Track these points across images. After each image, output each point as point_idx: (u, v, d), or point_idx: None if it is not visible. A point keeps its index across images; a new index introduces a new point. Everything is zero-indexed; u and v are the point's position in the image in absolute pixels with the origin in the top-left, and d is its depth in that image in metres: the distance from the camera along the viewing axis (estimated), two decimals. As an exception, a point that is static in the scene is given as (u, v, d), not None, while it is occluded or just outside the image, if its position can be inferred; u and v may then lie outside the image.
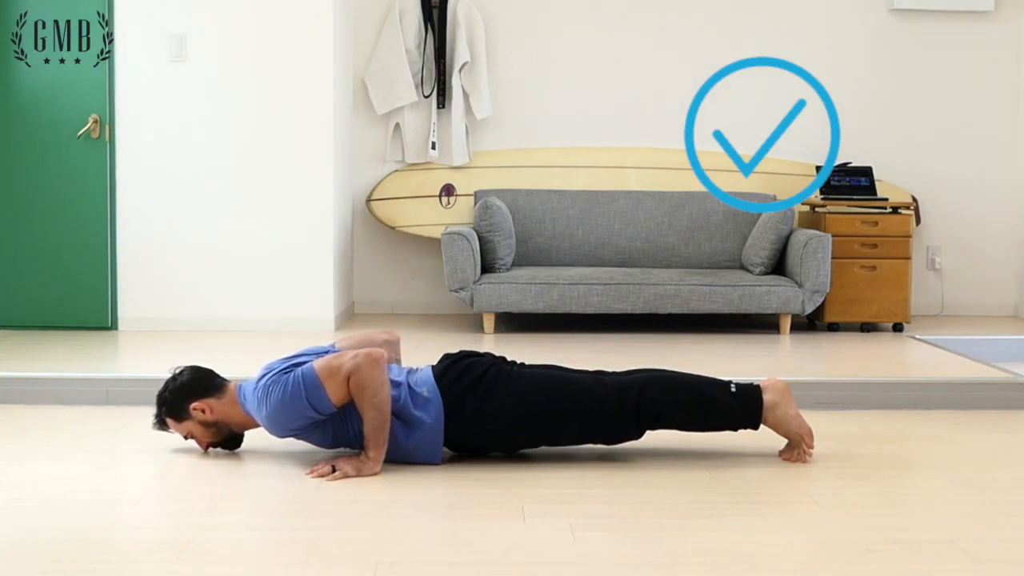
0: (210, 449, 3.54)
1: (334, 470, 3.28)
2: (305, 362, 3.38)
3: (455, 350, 3.58)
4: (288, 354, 3.52)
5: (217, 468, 3.42)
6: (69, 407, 4.30)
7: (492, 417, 3.40)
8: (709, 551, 2.68)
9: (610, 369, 3.59)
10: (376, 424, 3.29)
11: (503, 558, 2.61)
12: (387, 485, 3.23)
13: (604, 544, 2.73)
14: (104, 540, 2.78)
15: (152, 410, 3.52)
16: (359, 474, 3.28)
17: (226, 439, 3.52)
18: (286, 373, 3.33)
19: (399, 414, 3.36)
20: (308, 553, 2.63)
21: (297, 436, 3.42)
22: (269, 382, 3.33)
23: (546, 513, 2.97)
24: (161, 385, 3.51)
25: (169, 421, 3.49)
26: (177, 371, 3.52)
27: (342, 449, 3.58)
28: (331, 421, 3.37)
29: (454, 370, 3.45)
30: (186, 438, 3.53)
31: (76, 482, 3.26)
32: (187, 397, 3.45)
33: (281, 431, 3.39)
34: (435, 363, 3.53)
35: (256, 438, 3.81)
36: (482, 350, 3.62)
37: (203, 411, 3.44)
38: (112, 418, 4.13)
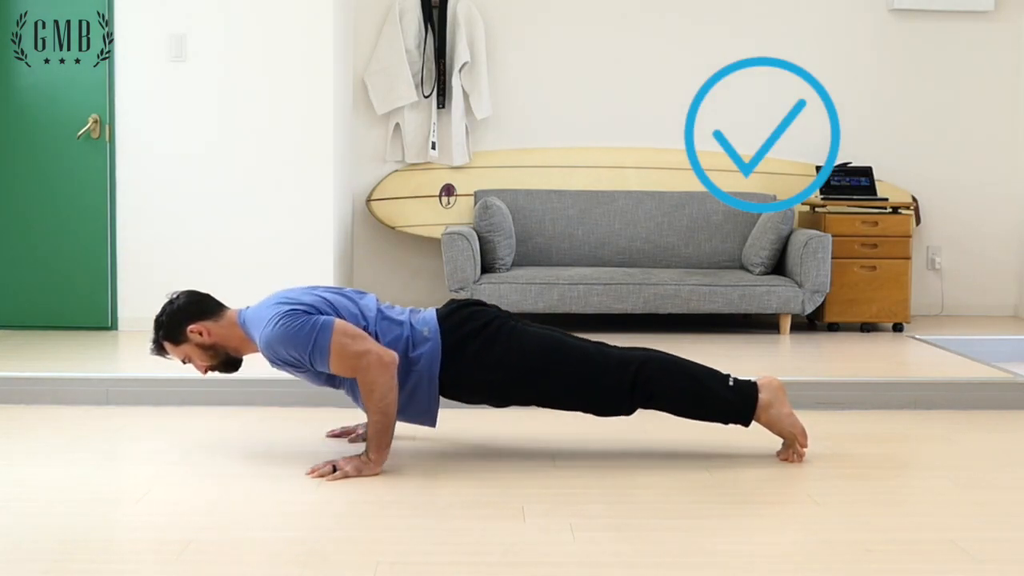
0: (208, 372, 3.51)
1: (334, 470, 3.28)
2: (331, 311, 3.34)
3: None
4: (317, 285, 3.50)
5: (217, 468, 3.42)
6: (69, 407, 4.30)
7: (489, 368, 3.40)
8: (709, 551, 2.68)
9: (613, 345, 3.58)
10: (380, 427, 3.29)
11: (503, 558, 2.61)
12: (387, 485, 3.23)
13: (604, 544, 2.73)
14: (104, 540, 2.78)
15: (150, 337, 3.49)
16: (359, 474, 3.28)
17: (224, 363, 3.48)
18: (306, 314, 3.28)
19: (399, 350, 3.35)
20: (308, 553, 2.63)
21: (286, 370, 3.41)
22: (286, 311, 3.28)
23: (546, 513, 2.97)
24: (158, 311, 3.47)
25: (167, 345, 3.45)
26: (174, 296, 3.49)
27: (342, 448, 3.59)
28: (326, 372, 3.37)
29: (459, 315, 3.45)
30: (184, 362, 3.49)
31: (76, 482, 3.26)
32: (184, 320, 3.42)
33: (274, 360, 3.35)
34: (440, 307, 3.53)
35: (256, 439, 3.81)
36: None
37: (200, 333, 3.41)
38: (112, 418, 4.13)
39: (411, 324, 3.43)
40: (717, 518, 2.97)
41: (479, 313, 3.48)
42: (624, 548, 2.70)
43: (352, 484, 3.22)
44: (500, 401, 3.53)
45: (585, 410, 3.51)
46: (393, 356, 3.31)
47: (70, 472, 3.37)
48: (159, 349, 3.49)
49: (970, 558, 2.64)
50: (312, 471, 3.30)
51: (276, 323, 3.28)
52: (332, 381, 3.44)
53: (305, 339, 3.26)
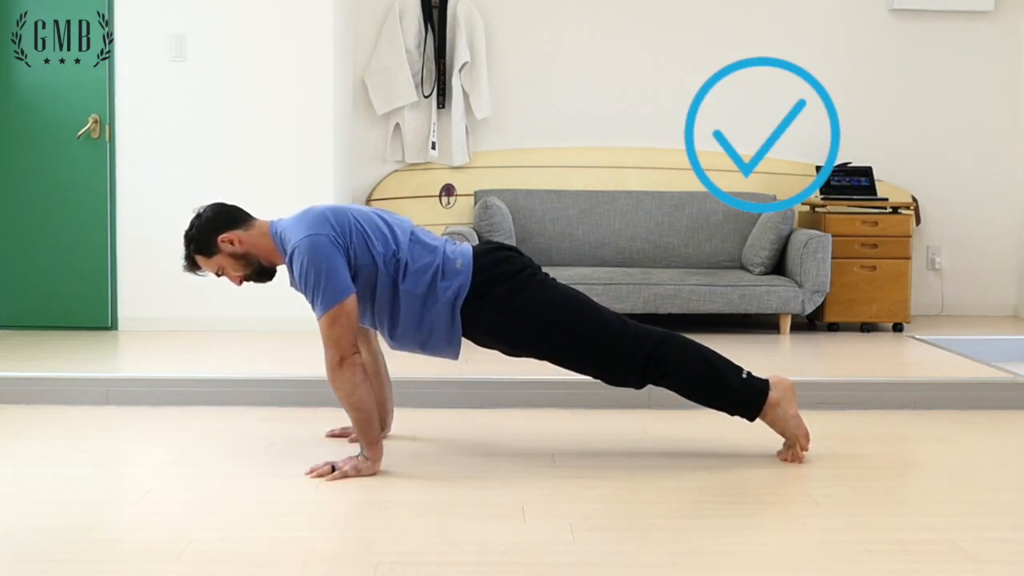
0: (243, 283, 3.50)
1: (333, 470, 3.28)
2: (361, 238, 3.34)
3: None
4: (355, 205, 3.49)
5: (217, 468, 3.42)
6: (69, 407, 4.30)
7: (511, 313, 3.39)
8: (709, 551, 2.68)
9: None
10: (360, 423, 3.30)
11: (503, 558, 2.61)
12: (387, 485, 3.23)
13: (604, 544, 2.73)
14: (104, 540, 2.78)
15: (182, 253, 3.47)
16: (358, 474, 3.28)
17: (257, 272, 3.47)
18: (335, 256, 3.27)
19: (427, 277, 3.36)
20: (308, 553, 2.63)
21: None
22: (319, 241, 3.27)
23: (546, 513, 2.97)
24: (187, 227, 3.46)
25: (199, 259, 3.45)
26: (201, 209, 3.48)
27: (342, 448, 3.59)
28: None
29: (494, 256, 3.46)
30: (218, 275, 3.49)
31: (76, 482, 3.26)
32: (214, 230, 3.42)
33: (292, 274, 3.37)
34: (476, 244, 3.54)
35: (256, 439, 3.81)
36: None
37: (231, 243, 3.41)
38: (112, 418, 4.13)
39: (445, 252, 3.43)
40: (717, 518, 2.97)
41: (514, 259, 3.48)
42: (624, 548, 2.70)
43: (352, 484, 3.22)
44: (513, 349, 3.51)
45: (596, 375, 3.50)
46: (351, 357, 3.27)
47: (70, 472, 3.37)
48: (192, 265, 3.48)
49: (970, 558, 2.64)
50: (311, 471, 3.30)
51: (305, 254, 3.27)
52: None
53: (317, 285, 3.25)
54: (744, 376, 3.50)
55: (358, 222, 3.38)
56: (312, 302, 3.30)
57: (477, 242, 5.89)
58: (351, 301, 3.29)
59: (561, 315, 3.41)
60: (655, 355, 3.42)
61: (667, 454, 3.60)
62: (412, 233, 3.47)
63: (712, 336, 5.89)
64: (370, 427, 3.31)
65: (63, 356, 5.09)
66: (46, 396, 4.38)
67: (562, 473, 3.39)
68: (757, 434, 3.62)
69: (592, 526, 2.87)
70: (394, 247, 3.39)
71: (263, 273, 3.49)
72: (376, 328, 3.50)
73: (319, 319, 3.29)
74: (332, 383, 3.29)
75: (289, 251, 3.34)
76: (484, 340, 3.51)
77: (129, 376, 4.51)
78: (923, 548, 2.72)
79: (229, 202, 3.55)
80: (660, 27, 6.73)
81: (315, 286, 3.27)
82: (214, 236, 3.42)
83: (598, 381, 3.54)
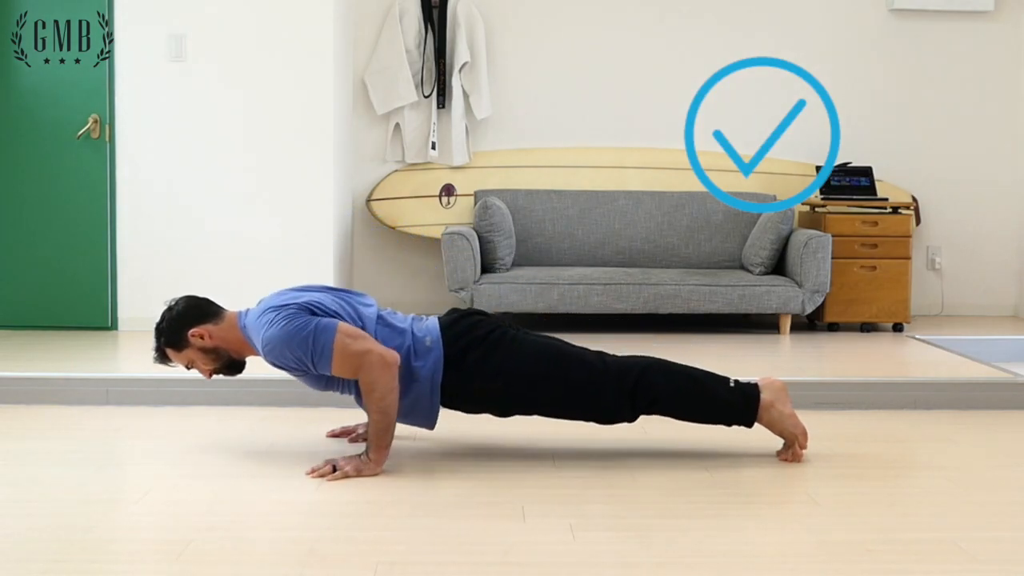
0: (213, 376, 3.52)
1: (334, 470, 3.28)
2: (331, 311, 3.34)
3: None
4: (316, 284, 3.51)
5: (217, 468, 3.42)
6: (69, 407, 4.30)
7: (491, 376, 3.40)
8: (709, 551, 2.68)
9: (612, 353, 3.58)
10: (380, 427, 3.29)
11: (503, 558, 2.61)
12: (387, 485, 3.23)
13: (604, 544, 2.73)
14: (104, 540, 2.78)
15: (152, 345, 3.50)
16: (359, 474, 3.28)
17: (227, 365, 3.49)
18: (304, 316, 3.29)
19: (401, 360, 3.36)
20: (308, 553, 2.63)
21: (289, 372, 3.42)
22: (285, 313, 3.29)
23: (546, 513, 2.97)
24: (158, 319, 3.48)
25: (169, 352, 3.46)
26: (172, 302, 3.50)
27: (342, 448, 3.59)
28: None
29: (461, 324, 3.46)
30: (188, 367, 3.50)
31: (76, 482, 3.26)
32: (184, 325, 3.43)
33: (275, 361, 3.36)
34: (442, 315, 3.54)
35: (256, 439, 3.81)
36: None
37: (202, 337, 3.42)
38: (112, 418, 4.13)
39: (413, 333, 3.43)
40: (717, 518, 2.97)
41: (482, 323, 3.48)
42: (624, 548, 2.70)
43: (352, 484, 3.22)
44: (501, 410, 3.52)
45: (587, 418, 3.52)
46: (395, 356, 3.31)
47: (70, 472, 3.37)
48: (162, 357, 3.50)
49: (970, 558, 2.64)
50: (312, 471, 3.30)
51: (276, 325, 3.28)
52: (332, 384, 3.44)
53: (306, 341, 3.26)
54: (732, 385, 3.50)
55: (323, 302, 3.39)
56: (313, 360, 3.28)
57: (477, 239, 5.90)
58: (342, 325, 3.29)
59: (540, 367, 3.42)
60: (641, 384, 3.42)
61: (667, 454, 3.60)
62: (379, 316, 3.47)
63: (712, 336, 5.89)
64: (388, 432, 3.31)
65: (63, 356, 5.09)
66: (46, 396, 4.38)
67: (562, 473, 3.39)
68: (757, 434, 3.62)
69: (592, 526, 2.87)
70: (361, 328, 3.39)
71: (232, 366, 3.52)
72: (357, 401, 3.47)
73: (332, 367, 3.28)
74: (371, 383, 3.25)
75: (261, 346, 3.34)
76: (471, 408, 3.52)
77: (129, 376, 4.51)
78: (923, 548, 2.72)
79: (200, 295, 3.57)
80: (660, 27, 6.73)
81: (305, 350, 3.27)
82: (184, 331, 3.43)
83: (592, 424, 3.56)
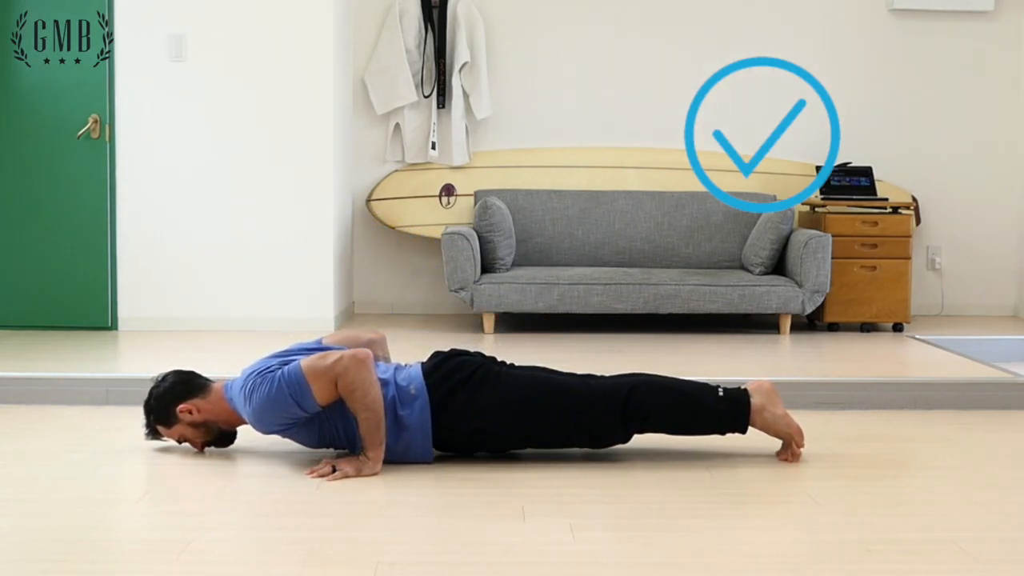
0: (206, 449, 3.55)
1: (334, 470, 3.28)
2: (292, 360, 3.38)
3: (446, 349, 3.58)
4: (275, 351, 3.53)
5: (217, 468, 3.42)
6: (69, 407, 4.30)
7: (479, 416, 3.40)
8: (709, 551, 2.68)
9: (604, 371, 3.60)
10: (371, 424, 3.30)
11: (503, 558, 2.61)
12: (387, 485, 3.23)
13: (604, 544, 2.73)
14: (104, 540, 2.78)
15: (142, 422, 3.52)
16: (359, 474, 3.28)
17: (218, 437, 3.53)
18: (272, 372, 3.33)
19: (386, 413, 3.36)
20: (308, 553, 2.63)
21: (283, 434, 3.43)
22: (255, 380, 3.33)
23: (546, 513, 2.97)
24: (146, 396, 3.51)
25: (160, 428, 3.51)
26: (159, 378, 3.53)
27: (341, 449, 3.59)
28: (316, 421, 3.36)
29: (443, 368, 3.45)
30: (179, 442, 3.54)
31: (76, 482, 3.26)
32: (173, 401, 3.46)
33: (266, 428, 3.39)
34: (424, 360, 3.54)
35: (255, 439, 3.82)
36: (473, 349, 3.61)
37: (190, 412, 3.45)
38: (112, 418, 4.13)
39: (396, 383, 3.42)
40: (717, 518, 2.97)
41: (464, 364, 3.47)
42: (624, 548, 2.70)
43: (352, 484, 3.22)
44: (496, 447, 3.53)
45: (581, 444, 3.52)
46: (367, 352, 3.32)
47: (70, 472, 3.37)
48: (153, 433, 3.53)
49: (970, 558, 2.64)
50: (312, 471, 3.30)
51: (254, 392, 3.32)
52: (325, 437, 3.42)
53: (282, 390, 3.28)
54: (721, 394, 3.50)
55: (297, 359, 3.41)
56: (297, 403, 3.28)
57: (477, 239, 5.90)
58: (304, 360, 3.30)
59: (527, 402, 3.41)
60: (631, 403, 3.42)
61: (667, 454, 3.60)
62: None
63: (712, 336, 5.89)
64: (378, 429, 3.31)
65: (63, 356, 5.09)
66: (46, 396, 4.38)
67: (562, 473, 3.39)
68: (756, 434, 3.61)
69: (592, 526, 2.87)
70: None
71: (223, 437, 3.54)
72: (352, 447, 3.46)
73: (315, 396, 3.28)
74: (351, 384, 3.26)
75: (249, 417, 3.37)
76: (466, 448, 3.52)
77: (129, 376, 4.51)
78: (923, 548, 2.72)
79: (186, 368, 3.58)
80: (660, 27, 6.73)
81: (282, 398, 3.28)
82: (173, 407, 3.46)
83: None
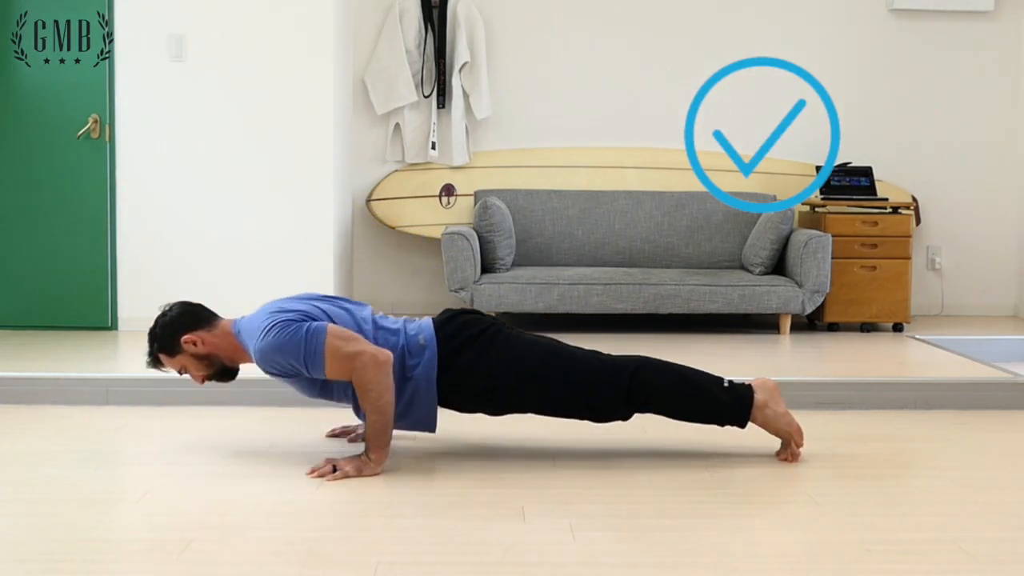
0: (206, 382, 3.52)
1: (335, 470, 3.28)
2: (327, 317, 3.35)
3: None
4: (314, 293, 3.53)
5: (217, 468, 3.42)
6: (69, 407, 4.30)
7: (485, 374, 3.40)
8: (709, 551, 2.68)
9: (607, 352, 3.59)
10: (378, 427, 3.30)
11: (503, 558, 2.61)
12: (387, 485, 3.23)
13: (604, 544, 2.73)
14: (104, 540, 2.78)
15: (145, 350, 3.50)
16: (359, 474, 3.28)
17: (219, 372, 3.50)
18: (298, 322, 3.29)
19: (396, 360, 3.36)
20: (308, 553, 2.63)
21: (282, 379, 3.42)
22: (280, 324, 3.29)
23: (546, 513, 2.97)
24: (152, 324, 3.49)
25: (162, 357, 3.47)
26: (166, 307, 3.51)
27: (342, 448, 3.59)
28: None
29: (455, 323, 3.46)
30: (180, 373, 3.51)
31: (76, 482, 3.26)
32: (178, 331, 3.43)
33: (267, 369, 3.37)
34: (435, 315, 3.54)
35: (256, 439, 3.82)
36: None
37: (194, 343, 3.43)
38: (112, 418, 4.13)
39: (406, 332, 3.43)
40: (717, 518, 2.97)
41: (475, 321, 3.48)
42: (624, 548, 2.70)
43: (352, 484, 3.22)
44: (496, 409, 3.52)
45: (581, 416, 3.51)
46: (388, 355, 3.31)
47: (70, 472, 3.37)
48: (155, 362, 3.51)
49: (970, 558, 2.64)
50: (312, 471, 3.30)
51: (269, 332, 3.29)
52: (326, 391, 3.44)
53: (298, 346, 3.26)
54: (726, 385, 3.51)
55: (320, 309, 3.40)
56: (305, 364, 3.28)
57: (477, 239, 5.90)
58: (332, 327, 3.29)
59: (534, 365, 3.42)
60: (636, 382, 3.43)
61: (667, 454, 3.60)
62: (374, 320, 3.48)
63: (712, 336, 5.89)
64: (386, 432, 3.31)
65: (63, 356, 5.09)
66: (46, 396, 4.38)
67: (562, 473, 3.39)
68: (756, 434, 3.62)
69: (592, 526, 2.87)
70: (361, 335, 3.39)
71: (225, 373, 3.53)
72: (352, 407, 3.48)
73: (325, 370, 3.28)
74: (366, 383, 3.26)
75: (254, 354, 3.36)
76: (466, 406, 3.51)
77: (129, 376, 4.51)
78: (923, 548, 2.72)
79: (194, 301, 3.57)
80: (660, 27, 6.73)
81: (297, 355, 3.27)
82: (177, 336, 3.44)
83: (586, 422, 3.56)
